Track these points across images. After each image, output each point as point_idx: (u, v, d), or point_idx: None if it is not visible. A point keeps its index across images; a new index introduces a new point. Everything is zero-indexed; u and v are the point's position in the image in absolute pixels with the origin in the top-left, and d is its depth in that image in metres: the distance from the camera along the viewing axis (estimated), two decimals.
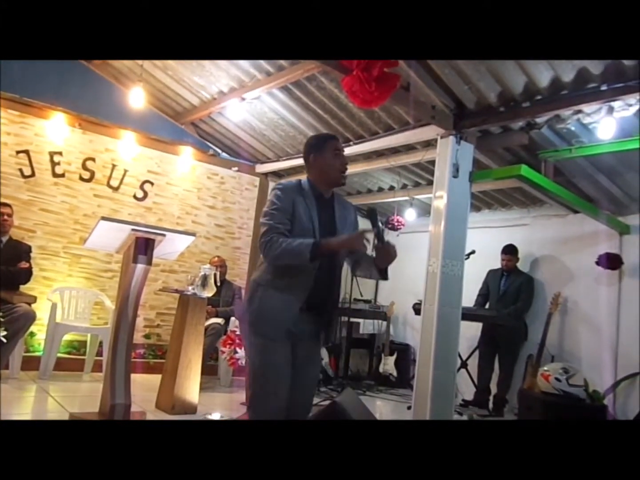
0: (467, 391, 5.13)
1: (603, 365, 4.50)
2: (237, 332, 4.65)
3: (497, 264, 5.21)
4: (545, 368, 4.09)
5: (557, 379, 3.89)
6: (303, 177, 2.23)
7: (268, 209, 2.08)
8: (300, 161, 5.45)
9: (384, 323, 6.06)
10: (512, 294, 5.01)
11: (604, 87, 3.06)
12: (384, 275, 2.12)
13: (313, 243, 1.93)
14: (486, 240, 5.27)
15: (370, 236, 2.02)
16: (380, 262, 2.05)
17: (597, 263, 4.55)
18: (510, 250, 5.10)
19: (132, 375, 3.42)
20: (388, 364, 5.81)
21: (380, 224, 2.06)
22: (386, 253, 2.01)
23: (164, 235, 3.04)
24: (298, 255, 1.93)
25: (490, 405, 4.84)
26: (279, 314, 2.02)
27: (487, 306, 5.19)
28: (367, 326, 6.22)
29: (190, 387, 3.60)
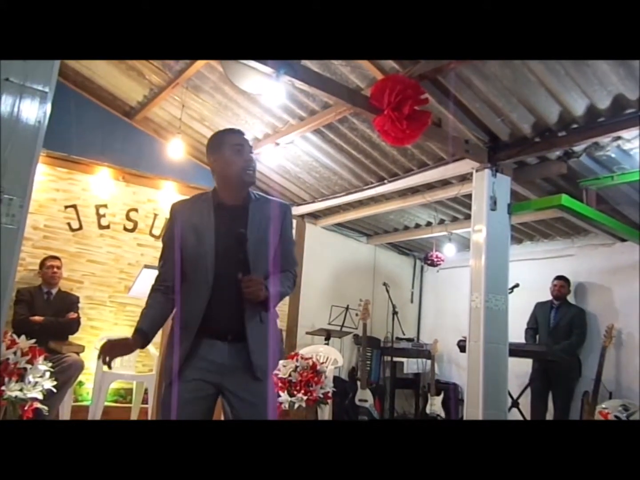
0: None
1: None
2: (279, 375, 4.61)
3: (542, 297, 5.04)
4: (604, 406, 3.89)
5: (617, 417, 3.68)
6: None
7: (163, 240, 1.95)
8: (337, 201, 5.50)
9: (429, 362, 5.89)
10: (563, 328, 4.81)
11: None
12: (264, 308, 1.81)
13: (135, 330, 1.80)
14: (530, 272, 5.14)
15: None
16: (246, 295, 1.71)
17: None
18: (562, 277, 4.95)
19: None
20: (435, 404, 5.62)
21: (247, 255, 1.74)
22: (251, 288, 1.72)
23: None
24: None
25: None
26: (179, 355, 1.79)
27: (536, 340, 5.00)
28: (411, 365, 6.07)
29: None
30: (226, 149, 1.82)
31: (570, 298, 5.06)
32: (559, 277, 4.97)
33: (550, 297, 5.01)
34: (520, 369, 4.86)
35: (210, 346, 1.74)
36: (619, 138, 3.36)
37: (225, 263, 1.74)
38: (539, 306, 5.06)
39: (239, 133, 1.89)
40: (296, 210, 6.15)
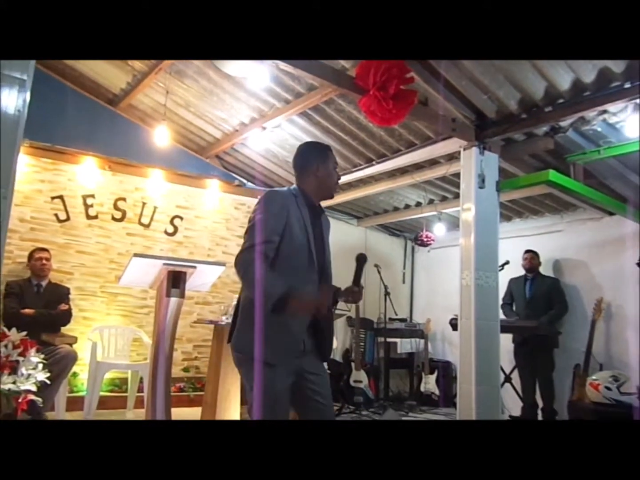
0: (515, 407, 4.96)
1: None
2: None
3: None
4: (594, 377, 3.95)
5: (608, 388, 3.75)
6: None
7: (257, 217, 1.90)
8: None
9: (422, 341, 5.96)
10: (540, 299, 4.89)
11: (627, 85, 3.00)
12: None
13: (283, 294, 1.78)
14: (520, 249, 5.17)
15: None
16: (348, 302, 2.00)
17: (639, 264, 4.39)
18: (531, 251, 5.04)
19: (174, 410, 3.45)
20: (429, 383, 5.69)
21: (363, 270, 1.99)
22: (358, 296, 1.94)
23: (194, 267, 3.09)
24: (265, 297, 1.80)
25: (540, 419, 4.67)
26: (286, 339, 1.89)
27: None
28: (404, 345, 6.13)
29: (231, 417, 3.59)
30: (330, 163, 2.08)
31: (559, 273, 5.12)
32: (528, 251, 5.05)
33: (522, 273, 5.08)
34: (511, 345, 4.93)
35: (301, 333, 1.92)
36: (604, 112, 3.37)
37: (318, 257, 1.98)
38: (513, 281, 5.12)
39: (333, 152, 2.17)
40: None
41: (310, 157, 2.07)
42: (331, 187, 2.08)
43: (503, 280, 4.46)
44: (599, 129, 3.60)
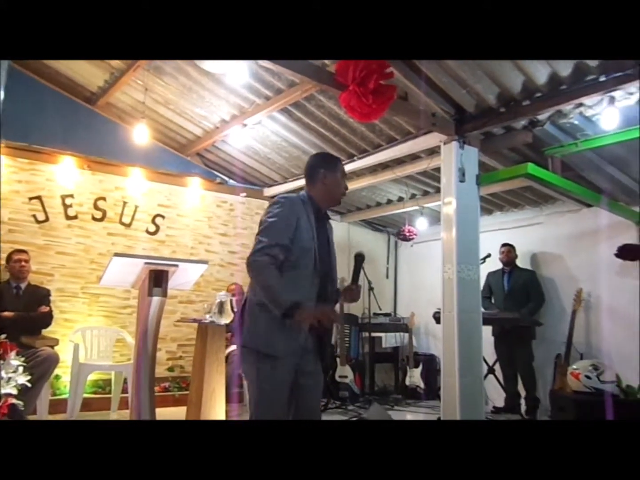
0: (499, 398, 5.03)
1: (633, 358, 4.39)
2: None
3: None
4: (575, 367, 4.01)
5: (588, 377, 3.81)
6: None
7: (268, 220, 2.00)
8: None
9: (406, 335, 5.99)
10: (517, 292, 4.98)
11: (603, 78, 3.05)
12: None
13: (294, 303, 1.87)
14: (501, 242, 5.23)
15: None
16: (347, 300, 2.11)
17: (617, 255, 4.48)
18: (508, 244, 5.13)
19: (159, 410, 3.42)
20: (414, 376, 5.73)
21: (360, 271, 2.11)
22: (356, 295, 2.07)
23: (176, 265, 3.06)
24: (277, 303, 1.89)
25: (523, 408, 4.74)
26: (289, 335, 1.96)
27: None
28: (389, 340, 6.17)
29: (216, 416, 3.58)
30: (339, 172, 2.20)
31: (539, 265, 5.19)
32: (505, 244, 5.14)
33: (500, 267, 5.16)
34: (492, 337, 4.99)
35: (303, 331, 1.98)
36: (581, 105, 3.42)
37: (322, 262, 2.06)
38: (491, 275, 5.20)
39: (342, 164, 2.30)
40: (268, 192, 6.11)
41: (319, 166, 2.19)
42: (338, 195, 2.20)
43: (483, 273, 4.51)
44: (576, 122, 3.65)
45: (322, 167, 2.18)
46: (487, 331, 4.18)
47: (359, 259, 2.08)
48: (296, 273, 2.00)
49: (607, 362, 4.07)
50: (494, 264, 5.12)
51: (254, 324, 2.00)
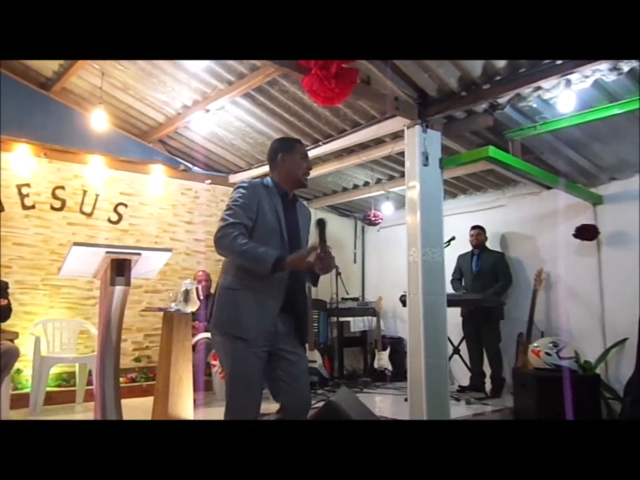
0: (464, 377, 5.15)
1: (591, 335, 4.55)
2: None
3: None
4: (535, 344, 4.13)
5: (548, 354, 3.93)
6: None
7: (230, 204, 2.09)
8: None
9: (374, 319, 6.06)
10: (486, 273, 5.07)
11: (559, 62, 3.10)
12: (315, 282, 2.22)
13: (279, 256, 1.94)
14: (466, 225, 5.32)
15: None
16: (321, 271, 2.03)
17: (575, 236, 4.61)
18: (477, 227, 5.20)
19: (127, 400, 3.38)
20: (382, 359, 5.81)
21: (325, 236, 2.04)
22: (329, 261, 2.01)
23: (139, 254, 3.00)
24: (261, 262, 1.94)
25: (488, 387, 4.86)
26: (259, 317, 2.03)
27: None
28: (357, 324, 6.22)
29: (184, 404, 3.56)
30: (296, 154, 2.23)
31: (504, 247, 5.31)
32: (474, 227, 5.22)
33: (470, 249, 5.25)
34: (459, 318, 5.09)
35: (273, 314, 2.05)
36: (539, 88, 3.47)
37: (290, 242, 2.11)
38: (461, 257, 5.29)
39: (303, 145, 2.34)
40: (233, 179, 6.05)
41: (278, 149, 2.25)
42: (299, 176, 2.21)
43: (450, 256, 4.58)
44: (534, 105, 3.71)
45: (280, 151, 2.23)
46: (452, 312, 4.25)
47: (322, 223, 2.06)
48: None
49: (566, 339, 4.21)
50: (464, 245, 5.21)
51: (224, 308, 2.06)
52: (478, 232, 5.18)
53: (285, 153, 2.23)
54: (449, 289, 5.02)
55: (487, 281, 5.02)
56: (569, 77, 3.25)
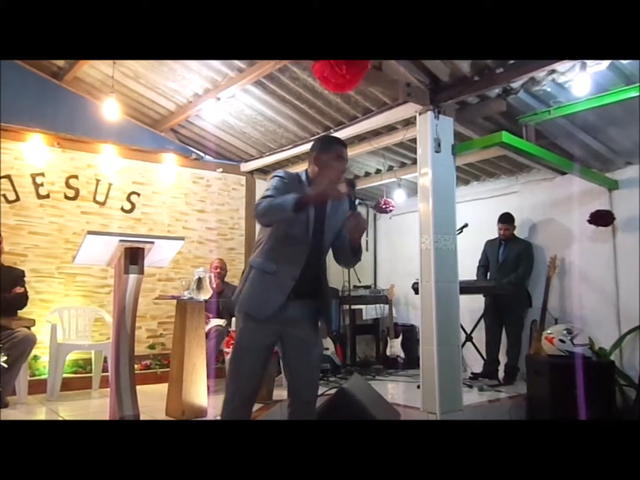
0: (476, 364, 5.14)
1: (606, 321, 4.52)
2: None
3: (491, 235, 5.21)
4: (549, 331, 4.11)
5: (562, 341, 3.91)
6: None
7: (266, 192, 2.15)
8: (285, 154, 5.45)
9: (386, 307, 6.06)
10: (511, 262, 4.99)
11: None
12: (358, 254, 2.21)
13: (297, 196, 1.98)
14: (478, 212, 5.28)
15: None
16: (353, 232, 2.09)
17: (590, 222, 4.56)
18: (506, 219, 5.06)
19: (142, 387, 3.43)
20: (395, 347, 5.82)
21: (355, 195, 2.17)
22: (357, 221, 2.06)
23: (152, 242, 3.03)
24: (282, 207, 1.98)
25: (501, 374, 4.85)
26: (266, 296, 2.09)
27: (487, 277, 5.19)
28: (369, 311, 6.22)
29: (198, 391, 3.60)
30: (330, 154, 2.22)
31: (519, 233, 5.25)
32: (502, 221, 5.05)
33: (483, 236, 5.18)
34: (473, 305, 5.07)
35: (286, 297, 2.09)
36: (553, 72, 3.42)
37: (317, 238, 2.17)
38: (489, 243, 5.22)
39: (344, 146, 2.30)
40: (244, 167, 6.06)
41: (315, 147, 2.29)
42: (331, 177, 2.17)
43: (463, 243, 4.54)
44: (549, 89, 3.66)
45: (317, 148, 2.27)
46: (464, 300, 4.23)
47: (351, 184, 2.13)
48: (287, 238, 2.14)
49: (580, 326, 4.19)
50: (476, 233, 5.13)
51: (246, 288, 2.15)
52: (505, 227, 5.01)
53: (321, 152, 2.25)
54: (462, 276, 5.00)
55: (510, 270, 4.95)
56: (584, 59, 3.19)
